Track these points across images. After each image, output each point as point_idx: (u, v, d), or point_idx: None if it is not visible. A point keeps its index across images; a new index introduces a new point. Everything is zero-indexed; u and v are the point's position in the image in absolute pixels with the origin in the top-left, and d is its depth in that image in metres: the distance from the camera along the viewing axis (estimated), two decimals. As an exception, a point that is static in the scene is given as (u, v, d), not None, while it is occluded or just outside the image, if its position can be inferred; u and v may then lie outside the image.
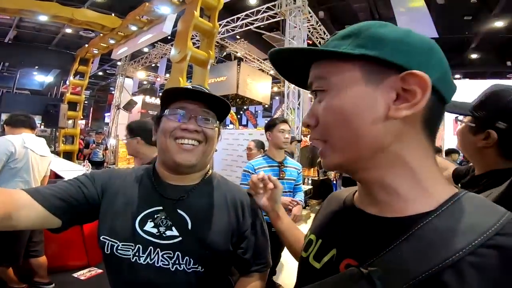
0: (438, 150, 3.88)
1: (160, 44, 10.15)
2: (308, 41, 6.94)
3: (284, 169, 1.95)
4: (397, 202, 0.36)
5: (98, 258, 2.47)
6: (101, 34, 6.28)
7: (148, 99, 12.68)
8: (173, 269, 0.63)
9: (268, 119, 3.10)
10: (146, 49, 10.75)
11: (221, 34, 7.69)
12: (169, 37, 5.86)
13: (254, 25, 6.96)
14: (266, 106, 13.46)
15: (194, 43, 4.13)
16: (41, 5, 5.25)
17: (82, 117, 9.63)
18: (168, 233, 0.65)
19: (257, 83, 9.28)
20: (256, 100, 9.60)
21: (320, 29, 7.20)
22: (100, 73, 14.55)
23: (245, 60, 10.08)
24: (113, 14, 6.61)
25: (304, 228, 0.55)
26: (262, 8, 6.61)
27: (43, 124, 7.25)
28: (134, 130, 1.73)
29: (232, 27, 7.45)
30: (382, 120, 0.34)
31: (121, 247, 0.64)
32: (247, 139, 3.45)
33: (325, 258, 0.41)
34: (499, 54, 9.18)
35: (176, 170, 0.71)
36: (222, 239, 0.68)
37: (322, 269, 0.41)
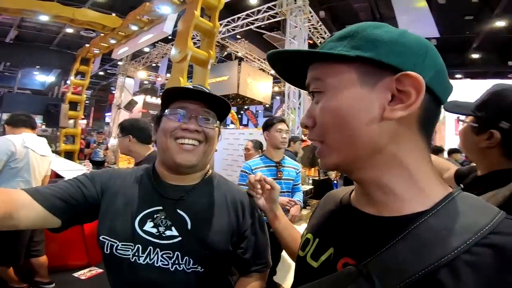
0: (440, 150, 3.84)
1: (161, 44, 10.18)
2: (309, 41, 6.94)
3: (282, 169, 1.94)
4: (394, 202, 0.36)
5: (98, 258, 2.47)
6: (102, 34, 6.29)
7: (149, 98, 12.70)
8: (172, 269, 0.63)
9: (268, 119, 3.09)
10: (147, 49, 10.78)
11: (222, 33, 7.71)
12: (169, 37, 5.85)
13: (255, 25, 6.97)
14: (267, 106, 13.47)
15: (194, 43, 4.13)
16: (42, 5, 5.25)
17: (83, 117, 9.64)
18: (168, 233, 0.65)
19: (258, 83, 9.28)
20: (257, 100, 9.61)
21: (321, 28, 7.20)
22: (101, 73, 14.59)
23: (246, 60, 10.10)
24: (114, 14, 6.63)
25: (305, 227, 0.55)
26: (263, 8, 6.62)
27: (44, 124, 7.27)
28: (125, 128, 1.72)
29: (232, 27, 7.46)
30: (377, 121, 0.34)
31: (120, 247, 0.63)
32: (248, 139, 3.44)
33: (323, 257, 0.42)
34: (500, 54, 9.18)
35: (176, 170, 0.71)
36: (222, 239, 0.68)
37: (319, 268, 0.42)
